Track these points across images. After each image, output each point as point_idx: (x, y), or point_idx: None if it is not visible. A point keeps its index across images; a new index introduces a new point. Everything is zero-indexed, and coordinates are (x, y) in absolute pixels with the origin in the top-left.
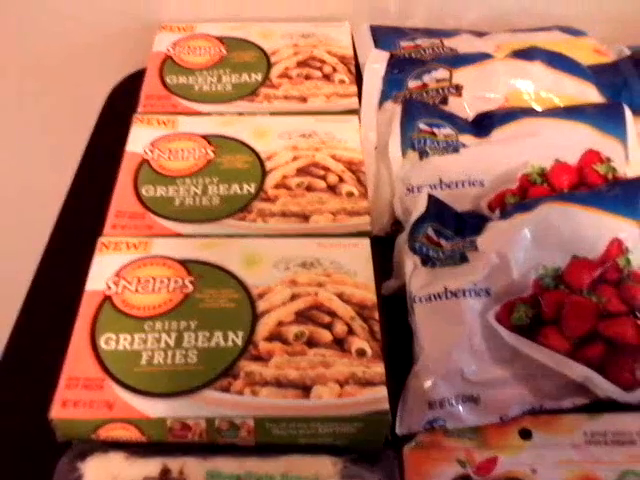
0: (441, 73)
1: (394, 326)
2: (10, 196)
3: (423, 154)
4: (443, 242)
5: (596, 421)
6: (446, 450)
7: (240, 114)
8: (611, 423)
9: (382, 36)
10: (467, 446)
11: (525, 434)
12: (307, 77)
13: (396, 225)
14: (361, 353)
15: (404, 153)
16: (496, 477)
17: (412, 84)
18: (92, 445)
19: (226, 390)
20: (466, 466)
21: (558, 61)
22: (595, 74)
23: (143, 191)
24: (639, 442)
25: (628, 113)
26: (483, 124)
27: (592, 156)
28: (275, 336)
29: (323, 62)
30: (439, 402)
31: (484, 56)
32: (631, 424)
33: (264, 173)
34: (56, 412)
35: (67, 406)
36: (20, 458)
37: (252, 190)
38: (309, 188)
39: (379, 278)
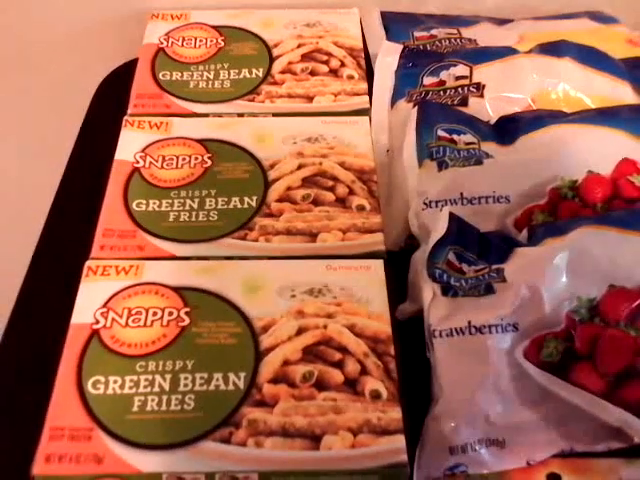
0: (460, 70)
1: (410, 356)
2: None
3: (442, 164)
4: (465, 267)
5: (634, 466)
6: None
7: (240, 115)
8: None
9: (394, 24)
10: None
11: (554, 479)
12: (312, 73)
13: (411, 239)
14: (376, 396)
15: (420, 162)
16: None
17: (428, 81)
18: None
19: (227, 441)
20: None
21: (589, 57)
22: (629, 69)
23: (134, 205)
24: None
25: None
26: (508, 130)
27: (627, 166)
28: (281, 378)
29: (330, 55)
30: (461, 447)
31: (508, 51)
32: None
33: (266, 184)
34: (39, 468)
35: (51, 461)
36: None
37: (254, 204)
38: (316, 202)
39: (393, 299)
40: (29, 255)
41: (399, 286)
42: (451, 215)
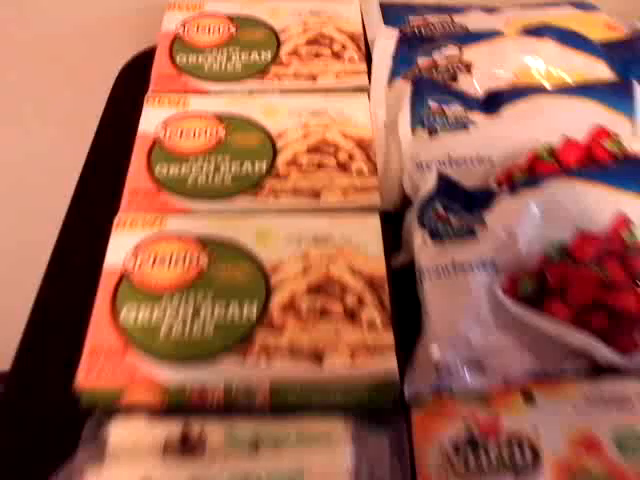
0: (451, 50)
1: (404, 298)
2: (25, 175)
3: (432, 131)
4: (452, 218)
5: (596, 385)
6: (452, 413)
7: (250, 93)
8: (610, 387)
9: (391, 12)
10: (472, 409)
11: (528, 397)
12: (317, 55)
13: (405, 201)
14: (371, 323)
15: (413, 130)
16: (500, 438)
17: (421, 61)
18: (115, 411)
19: (242, 358)
20: (471, 428)
21: (569, 38)
22: (606, 50)
23: (156, 170)
24: (637, 404)
25: (637, 89)
26: (492, 102)
27: (600, 132)
28: (288, 307)
29: (332, 40)
30: (446, 368)
31: (494, 33)
32: (629, 388)
33: (275, 151)
34: (81, 381)
35: (91, 375)
36: (48, 426)
37: (264, 168)
38: (320, 166)
39: (389, 252)
40: (64, 213)
41: (394, 242)
42: (439, 173)
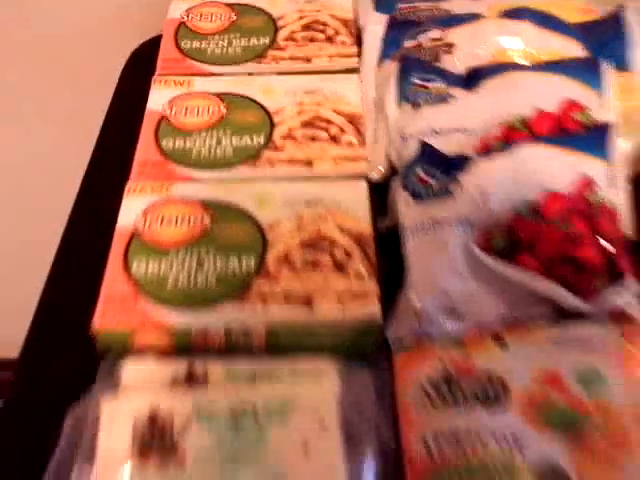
0: (435, 33)
1: (389, 258)
2: (40, 151)
3: (416, 106)
4: (432, 181)
5: (561, 329)
6: (430, 354)
7: (250, 74)
8: (574, 330)
9: (382, 0)
10: (449, 351)
11: (499, 341)
12: (311, 40)
13: (392, 171)
14: (357, 273)
15: (399, 106)
16: (473, 375)
17: (408, 44)
18: (127, 352)
19: (241, 304)
20: (447, 367)
21: (545, 20)
22: (581, 31)
23: (163, 144)
24: (597, 345)
25: (604, 66)
26: (472, 78)
27: (571, 105)
28: (283, 260)
29: (326, 25)
30: (425, 315)
31: (475, 16)
32: (590, 330)
33: (272, 126)
34: (97, 324)
35: (106, 319)
36: (66, 365)
37: (262, 141)
38: (313, 139)
39: (376, 218)
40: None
41: (382, 210)
42: (421, 141)
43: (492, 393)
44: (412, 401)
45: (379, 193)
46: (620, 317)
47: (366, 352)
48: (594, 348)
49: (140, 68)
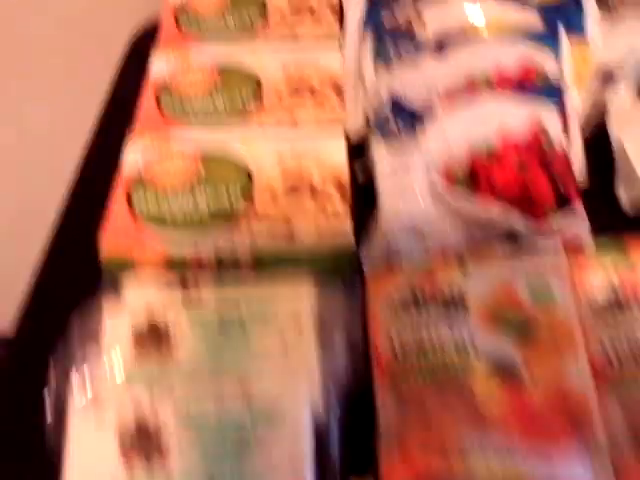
0: (410, 7)
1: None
2: (44, 120)
3: (390, 67)
4: (401, 129)
5: (517, 251)
6: (399, 275)
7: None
8: (527, 252)
9: None
10: (416, 272)
11: (462, 264)
12: (297, 13)
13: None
14: (333, 202)
15: (376, 68)
16: (438, 292)
17: (386, 15)
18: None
19: (230, 231)
20: (415, 285)
21: None
22: (541, 10)
23: (164, 106)
24: (548, 264)
25: (562, 32)
26: (441, 45)
27: (530, 66)
28: (266, 190)
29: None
30: (393, 239)
31: None
32: (542, 251)
33: (259, 85)
34: (103, 251)
35: (111, 247)
36: (75, 288)
37: (251, 100)
38: (297, 99)
39: (353, 174)
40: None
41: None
42: (393, 96)
43: (453, 305)
44: (382, 312)
45: (359, 151)
46: (567, 239)
47: (341, 274)
48: (544, 265)
49: (141, 46)
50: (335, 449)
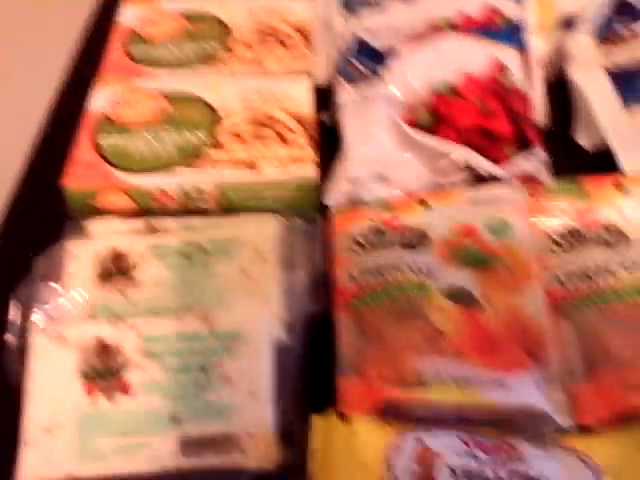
0: None
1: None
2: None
3: (357, 14)
4: (365, 69)
5: (476, 191)
6: (362, 214)
7: None
8: (487, 191)
9: None
10: (379, 212)
11: (423, 203)
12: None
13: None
14: (298, 143)
15: (343, 17)
16: (400, 229)
17: None
18: (93, 212)
19: (195, 168)
20: (376, 223)
21: None
22: None
23: (132, 51)
24: (505, 202)
25: None
26: None
27: (492, 9)
28: (232, 133)
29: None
30: (357, 179)
31: None
32: (500, 190)
33: (228, 31)
34: (66, 183)
35: (75, 179)
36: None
37: (219, 47)
38: (262, 42)
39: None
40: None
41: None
42: (358, 38)
43: (414, 241)
44: (343, 247)
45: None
46: (527, 179)
47: (305, 210)
48: (504, 204)
49: None
50: (297, 374)
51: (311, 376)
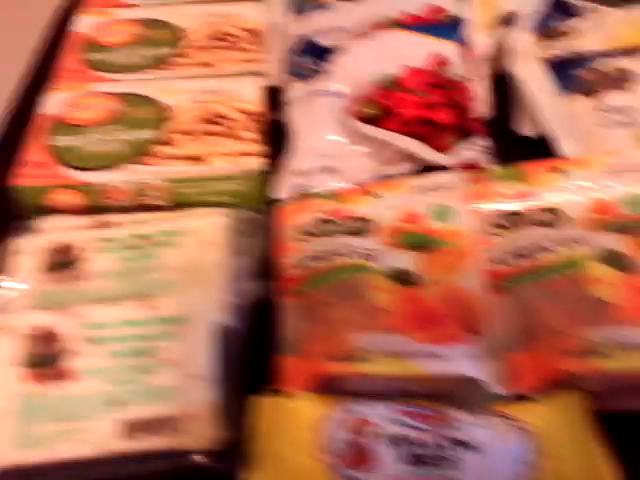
0: None
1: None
2: None
3: (304, 15)
4: (312, 65)
5: (421, 179)
6: (310, 205)
7: None
8: (431, 179)
9: None
10: (326, 202)
11: (370, 193)
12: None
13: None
14: (246, 139)
15: (296, 21)
16: (346, 218)
17: None
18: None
19: (146, 165)
20: (324, 213)
21: None
22: None
23: (87, 57)
24: (450, 188)
25: None
26: None
27: (434, 9)
28: (181, 130)
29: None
30: (305, 172)
31: None
32: (443, 177)
33: (180, 32)
34: (17, 181)
35: (25, 177)
36: None
37: (172, 45)
38: (217, 47)
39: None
40: None
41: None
42: (304, 37)
43: (359, 228)
44: (290, 237)
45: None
46: (469, 166)
47: (255, 206)
48: (448, 191)
49: None
50: (240, 357)
51: (256, 359)
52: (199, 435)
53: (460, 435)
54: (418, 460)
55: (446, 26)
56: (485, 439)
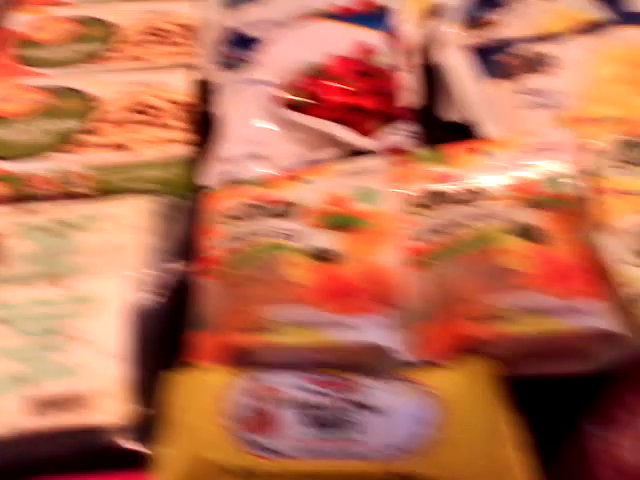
0: None
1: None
2: None
3: (235, 8)
4: (239, 55)
5: (347, 164)
6: (235, 191)
7: None
8: (357, 163)
9: None
10: (252, 189)
11: (298, 178)
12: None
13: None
14: (172, 127)
15: (227, 14)
16: (271, 202)
17: None
18: None
19: (71, 153)
20: (249, 199)
21: None
22: None
23: (19, 54)
24: (374, 172)
25: None
26: None
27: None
28: (108, 120)
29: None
30: (232, 159)
31: None
32: (368, 162)
33: (113, 28)
34: None
35: None
36: None
37: (105, 41)
38: (149, 40)
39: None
40: None
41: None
42: (230, 28)
43: (284, 211)
44: (214, 221)
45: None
46: (394, 150)
47: (182, 193)
48: (372, 174)
49: None
50: (155, 334)
51: (172, 337)
52: (111, 412)
53: (364, 399)
54: (321, 423)
55: (374, 16)
56: (388, 402)
